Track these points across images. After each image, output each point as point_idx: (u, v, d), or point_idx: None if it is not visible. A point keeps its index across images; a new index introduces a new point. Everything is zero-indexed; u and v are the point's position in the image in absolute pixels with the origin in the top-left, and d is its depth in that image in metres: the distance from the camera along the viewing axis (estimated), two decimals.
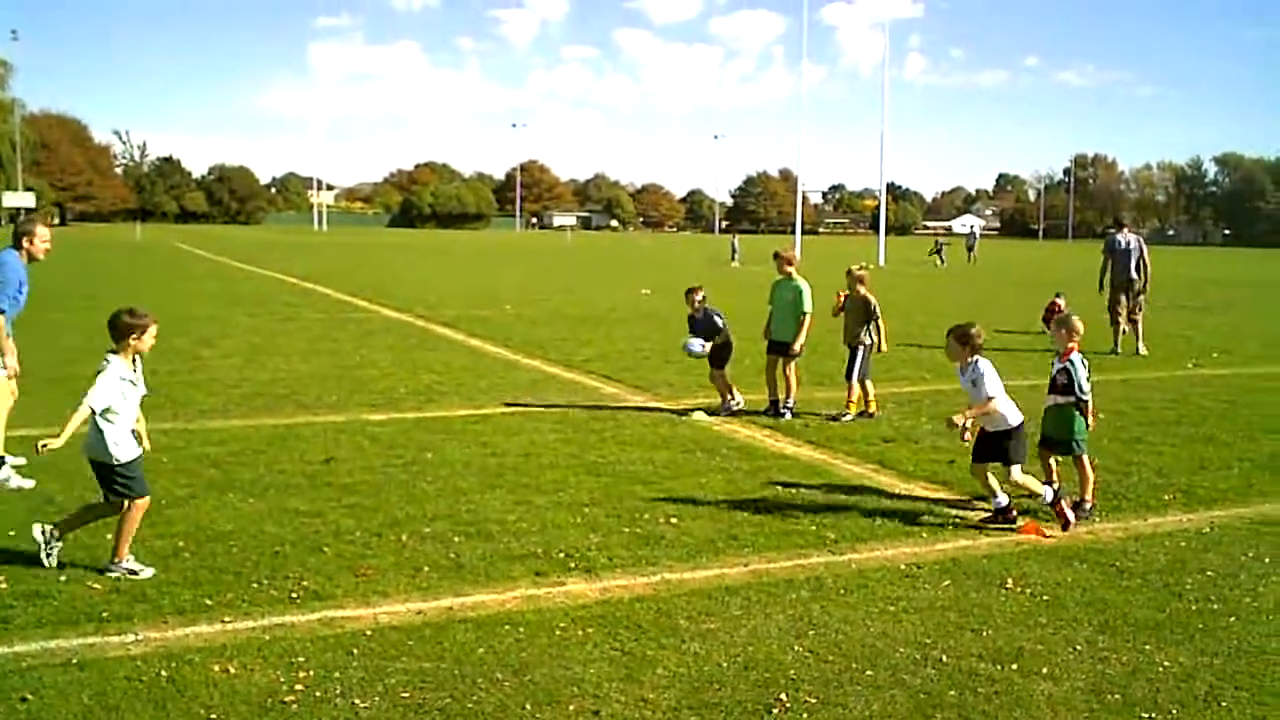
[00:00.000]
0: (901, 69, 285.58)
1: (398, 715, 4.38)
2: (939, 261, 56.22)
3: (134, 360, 6.25)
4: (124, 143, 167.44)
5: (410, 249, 67.91)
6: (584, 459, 9.04)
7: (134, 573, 5.92)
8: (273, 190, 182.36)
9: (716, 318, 11.61)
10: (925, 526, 7.31)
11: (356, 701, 4.47)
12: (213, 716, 4.32)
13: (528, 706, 4.49)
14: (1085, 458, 7.73)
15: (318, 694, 4.54)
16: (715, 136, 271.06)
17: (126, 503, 6.10)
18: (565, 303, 25.85)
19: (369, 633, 5.22)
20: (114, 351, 6.17)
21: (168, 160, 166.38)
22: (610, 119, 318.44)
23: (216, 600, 5.59)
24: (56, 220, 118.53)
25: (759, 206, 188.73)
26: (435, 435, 9.85)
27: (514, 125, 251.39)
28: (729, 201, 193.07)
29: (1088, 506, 7.61)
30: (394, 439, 9.65)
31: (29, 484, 7.91)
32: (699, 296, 11.72)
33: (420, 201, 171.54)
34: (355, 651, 4.99)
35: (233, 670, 4.74)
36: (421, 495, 7.75)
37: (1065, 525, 7.28)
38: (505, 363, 15.08)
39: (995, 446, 7.49)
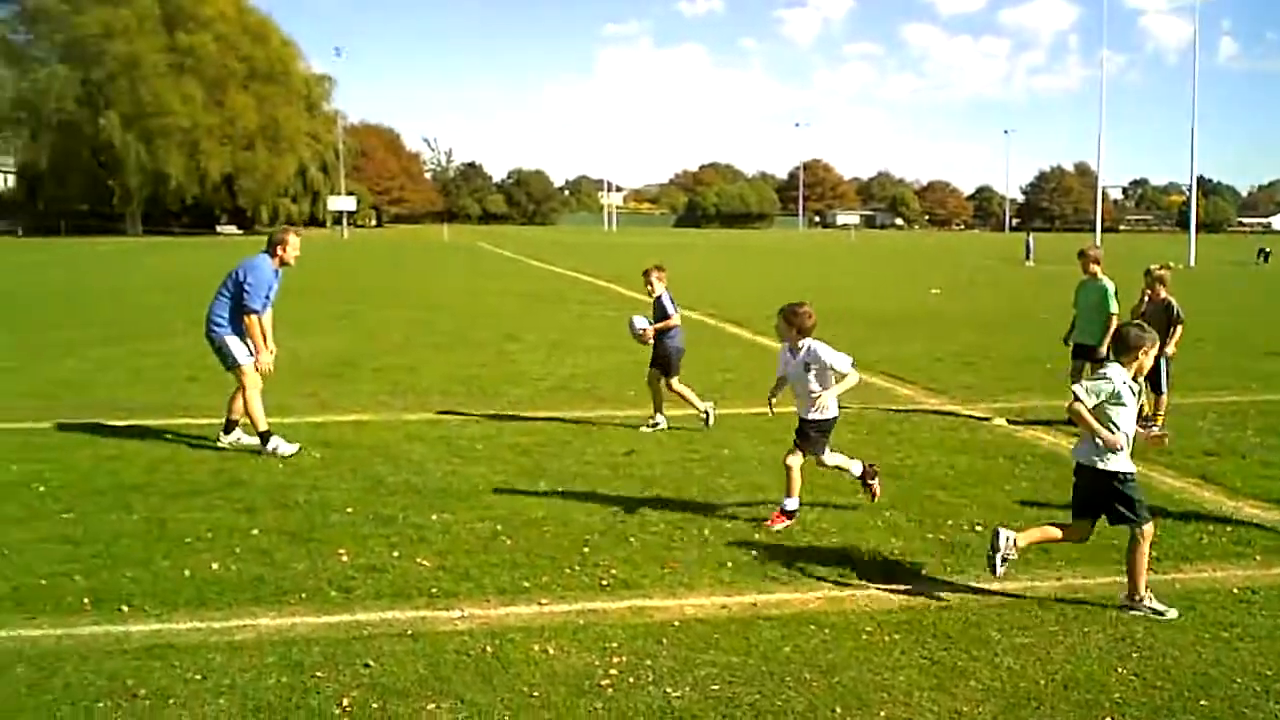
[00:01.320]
0: (1212, 54, 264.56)
1: (709, 707, 4.44)
2: (1261, 262, 51.76)
3: None
4: (433, 149, 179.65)
5: (696, 248, 69.01)
6: (881, 461, 8.85)
7: (1159, 613, 5.57)
8: (566, 192, 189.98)
9: (668, 305, 10.29)
10: (1257, 548, 6.72)
11: (669, 690, 4.57)
12: (535, 694, 4.52)
13: (837, 709, 4.45)
14: None
15: (631, 680, 4.67)
16: (1005, 131, 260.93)
17: (1140, 529, 5.63)
18: (851, 302, 25.51)
19: (677, 623, 5.32)
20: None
21: (471, 165, 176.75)
22: (894, 115, 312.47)
23: (533, 583, 5.85)
24: (374, 222, 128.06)
25: (1053, 203, 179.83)
26: (730, 432, 9.95)
27: (796, 124, 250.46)
28: (1020, 198, 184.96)
29: None
30: (690, 434, 9.81)
31: (293, 449, 8.85)
32: (653, 278, 10.38)
33: (705, 201, 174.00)
34: (665, 641, 5.10)
35: (551, 651, 4.95)
36: (720, 490, 7.85)
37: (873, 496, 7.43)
38: None
39: (800, 433, 7.22)
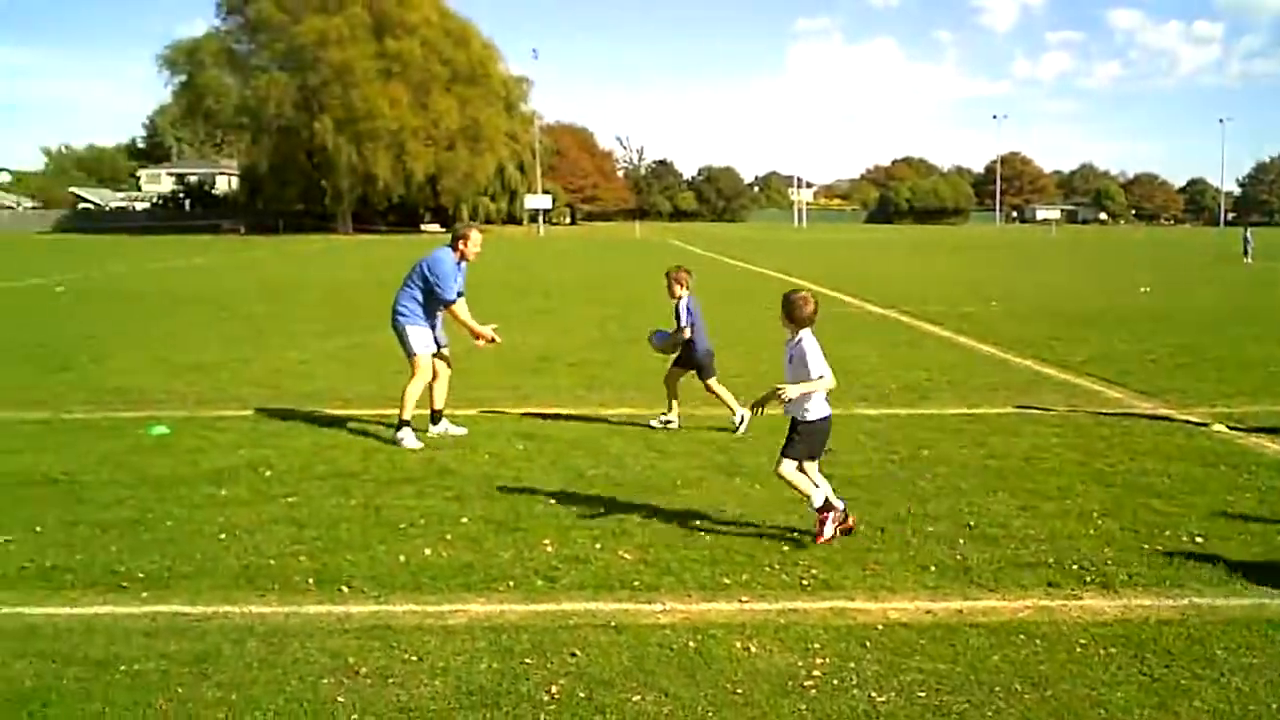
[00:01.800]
0: None
1: (915, 715, 4.35)
2: None
3: None
4: (625, 148, 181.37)
5: (888, 245, 67.74)
6: (1091, 466, 8.52)
7: None
8: (755, 188, 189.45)
9: (683, 313, 9.74)
10: None
11: (873, 695, 4.51)
12: (738, 691, 4.53)
13: None
14: None
15: (835, 682, 4.62)
16: (1220, 120, 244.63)
17: None
18: (1054, 299, 24.55)
19: (880, 627, 5.24)
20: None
21: (662, 163, 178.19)
22: (1097, 106, 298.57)
23: (734, 580, 5.87)
24: (568, 219, 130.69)
25: (1273, 196, 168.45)
26: (930, 432, 9.72)
27: (994, 117, 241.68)
28: (1236, 191, 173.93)
29: None
30: (889, 434, 9.64)
31: (418, 445, 9.05)
32: (679, 282, 9.78)
33: (897, 197, 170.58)
34: (868, 644, 5.03)
35: (753, 649, 4.96)
36: (922, 493, 7.68)
37: (815, 537, 6.48)
38: (996, 361, 14.59)
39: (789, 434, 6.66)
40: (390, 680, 4.66)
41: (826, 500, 6.58)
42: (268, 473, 8.23)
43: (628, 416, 10.47)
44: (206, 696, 4.52)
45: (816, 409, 6.74)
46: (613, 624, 5.25)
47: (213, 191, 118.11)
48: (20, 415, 10.58)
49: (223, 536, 6.65)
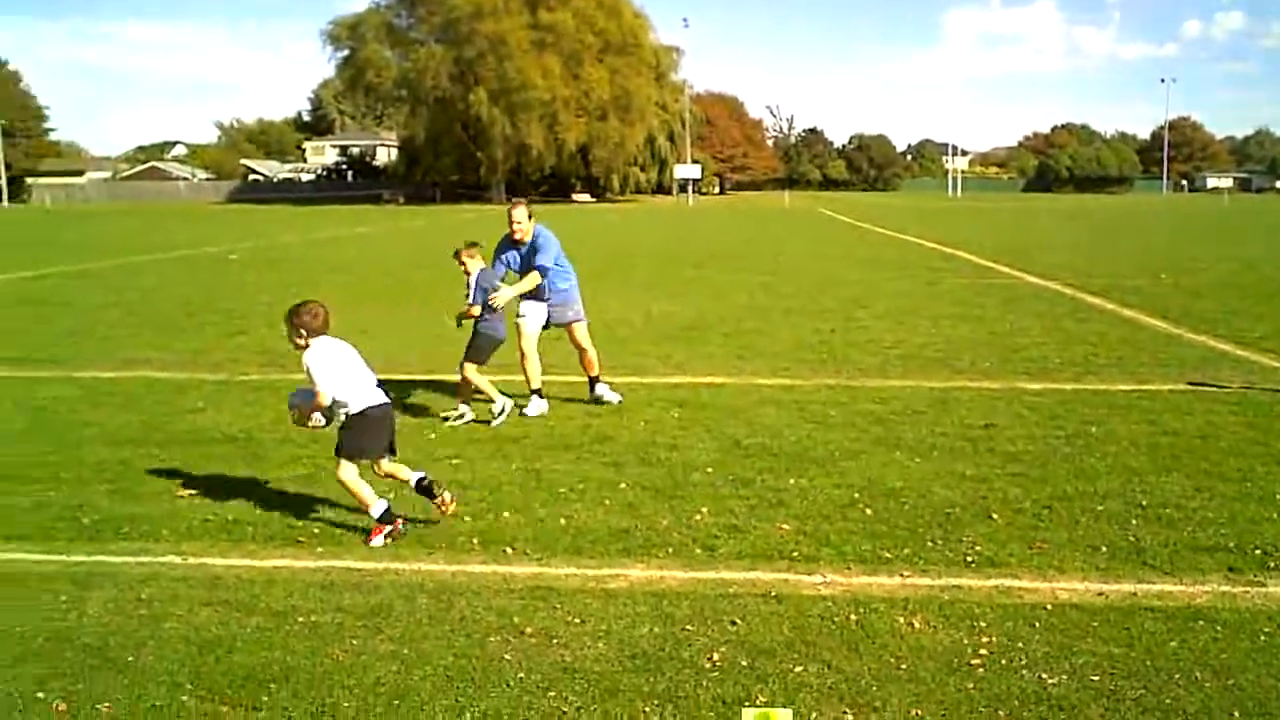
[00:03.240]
0: None
1: (1089, 698, 4.22)
2: None
3: None
4: (774, 116, 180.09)
5: (1048, 214, 65.42)
6: (1271, 448, 8.08)
7: None
8: (908, 157, 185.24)
9: (473, 289, 9.11)
10: None
11: (1044, 676, 4.39)
12: (902, 666, 4.47)
13: (1235, 714, 4.11)
14: None
15: (1003, 662, 4.52)
16: None
17: None
18: (1229, 272, 23.31)
19: (1048, 607, 5.09)
20: None
21: (812, 131, 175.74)
22: (1275, 68, 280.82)
23: (894, 554, 5.78)
24: (717, 189, 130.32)
25: None
26: (1098, 409, 9.37)
27: (1161, 80, 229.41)
28: None
29: None
30: (1053, 410, 9.33)
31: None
32: (464, 257, 9.09)
33: (1057, 165, 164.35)
34: (1037, 625, 4.89)
35: (916, 625, 4.88)
36: (1090, 471, 7.41)
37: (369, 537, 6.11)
38: (1166, 336, 13.95)
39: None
40: (554, 640, 4.75)
41: (388, 511, 6.21)
42: (432, 435, 8.48)
43: (782, 386, 10.40)
44: (380, 649, 4.69)
45: (359, 402, 6.29)
46: (772, 594, 5.24)
47: (373, 162, 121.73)
48: (201, 376, 11.13)
49: (391, 495, 6.86)
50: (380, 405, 6.37)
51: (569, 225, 41.36)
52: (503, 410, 8.88)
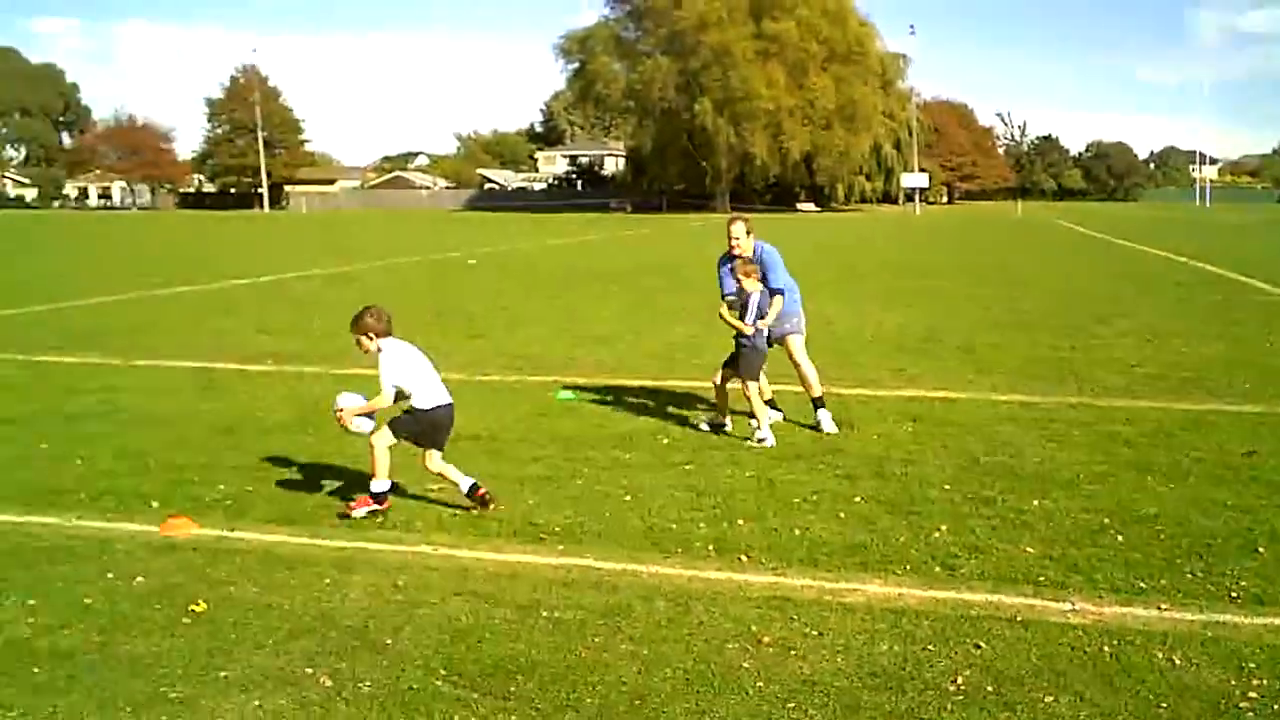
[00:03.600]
0: None
1: None
2: None
3: None
4: (1005, 124, 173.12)
5: None
6: None
7: None
8: (1150, 165, 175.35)
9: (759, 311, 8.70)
10: None
11: None
12: (1162, 705, 4.23)
13: None
14: None
15: (1275, 707, 4.22)
16: None
17: None
18: None
19: None
20: None
21: (1046, 139, 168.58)
22: None
23: (1150, 585, 5.48)
24: (945, 198, 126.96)
25: None
26: None
27: None
28: None
29: None
30: None
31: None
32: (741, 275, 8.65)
33: None
34: None
35: (1177, 661, 4.61)
36: None
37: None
38: None
39: None
40: (792, 652, 4.74)
41: (385, 494, 6.75)
42: (665, 440, 8.60)
43: (1021, 402, 10.04)
44: (620, 649, 4.80)
45: (427, 400, 6.86)
46: (1018, 619, 5.07)
47: (601, 172, 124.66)
48: (445, 376, 11.59)
49: (627, 498, 7.02)
50: (445, 406, 6.96)
51: (793, 234, 41.20)
52: (762, 440, 8.54)
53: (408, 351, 6.95)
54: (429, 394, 6.88)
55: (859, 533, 6.31)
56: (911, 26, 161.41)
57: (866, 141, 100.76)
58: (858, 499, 6.96)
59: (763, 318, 8.79)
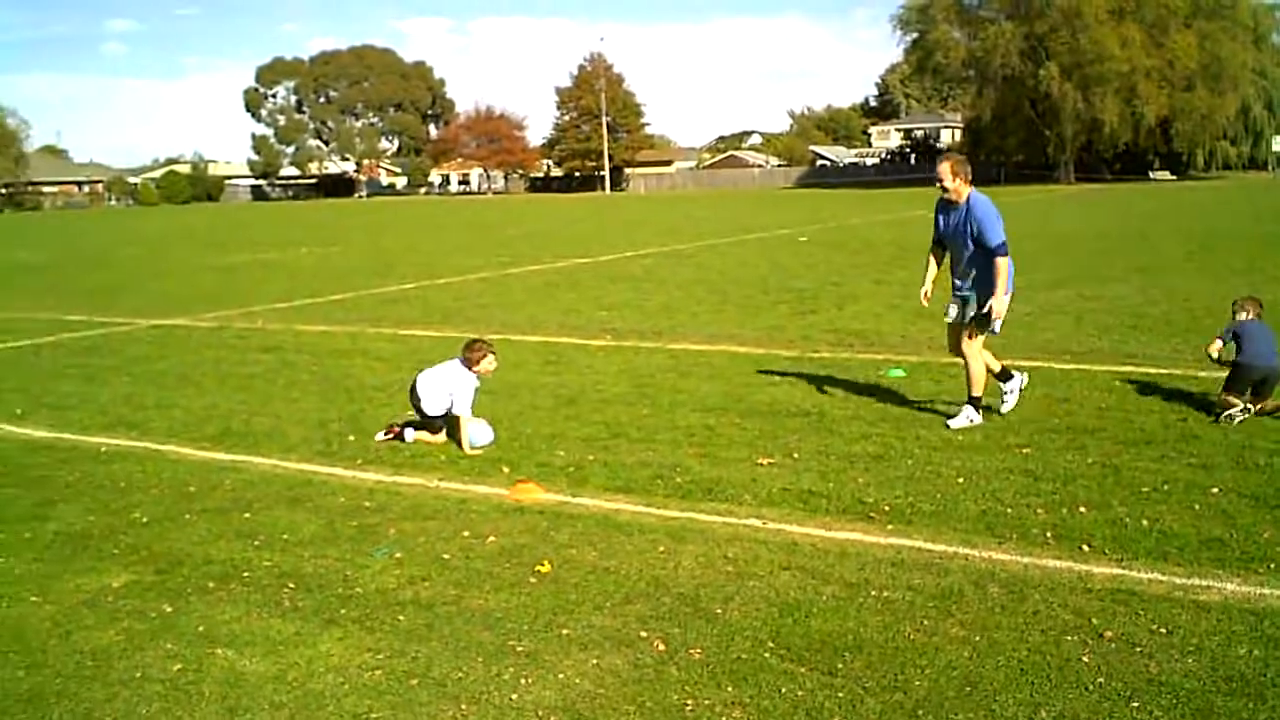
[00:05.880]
0: None
1: None
2: None
3: None
4: None
5: None
6: None
7: None
8: None
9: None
10: None
11: None
12: None
13: None
14: None
15: None
16: None
17: None
18: None
19: None
20: None
21: None
22: None
23: None
24: None
25: None
26: None
27: None
28: None
29: None
30: None
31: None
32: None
33: None
34: None
35: None
36: None
37: None
38: None
39: None
40: (1137, 649, 4.49)
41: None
42: (1000, 421, 8.31)
43: None
44: (950, 633, 4.72)
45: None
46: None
47: (936, 145, 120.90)
48: (776, 352, 11.79)
49: (960, 480, 6.85)
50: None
51: (1144, 206, 38.27)
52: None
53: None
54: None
55: (1216, 526, 5.86)
56: None
57: (1233, 103, 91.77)
58: (1215, 490, 6.46)
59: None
